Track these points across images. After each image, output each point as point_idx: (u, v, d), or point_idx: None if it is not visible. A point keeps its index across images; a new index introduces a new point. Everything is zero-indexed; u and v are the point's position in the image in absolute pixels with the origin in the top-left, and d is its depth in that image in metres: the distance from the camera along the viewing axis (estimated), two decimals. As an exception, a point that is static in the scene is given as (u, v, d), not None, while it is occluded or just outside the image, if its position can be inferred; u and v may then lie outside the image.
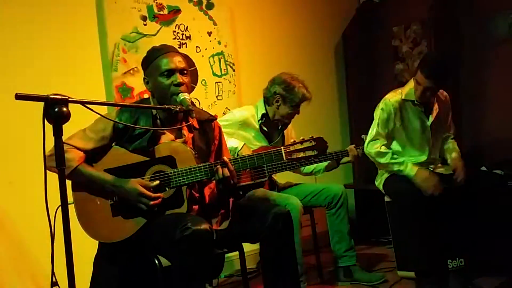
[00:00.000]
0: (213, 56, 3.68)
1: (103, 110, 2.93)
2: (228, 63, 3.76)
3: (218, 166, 2.11)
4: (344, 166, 3.45)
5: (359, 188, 4.43)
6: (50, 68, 2.92)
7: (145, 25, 3.31)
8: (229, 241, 2.34)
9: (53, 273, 1.73)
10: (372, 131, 3.16)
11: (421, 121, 3.14)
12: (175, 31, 3.47)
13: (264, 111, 3.12)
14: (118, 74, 3.18)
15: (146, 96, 3.20)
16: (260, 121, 3.11)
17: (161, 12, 3.39)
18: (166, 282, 2.11)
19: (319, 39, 4.45)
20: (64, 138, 1.56)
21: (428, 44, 4.05)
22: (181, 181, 2.10)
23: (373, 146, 3.13)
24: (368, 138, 3.15)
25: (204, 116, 2.31)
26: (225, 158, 2.14)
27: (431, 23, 4.05)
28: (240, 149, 2.86)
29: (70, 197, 1.73)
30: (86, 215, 2.11)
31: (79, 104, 1.61)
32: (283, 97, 3.06)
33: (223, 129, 2.49)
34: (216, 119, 2.39)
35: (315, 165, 3.26)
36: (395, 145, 3.21)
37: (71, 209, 1.67)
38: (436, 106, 3.15)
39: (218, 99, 3.70)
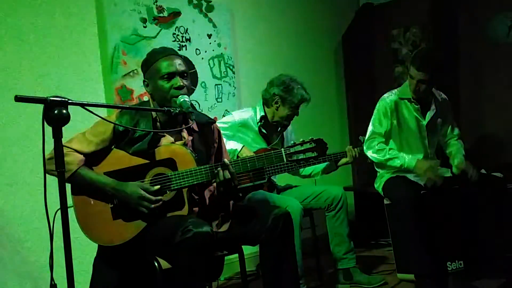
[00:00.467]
0: (212, 58, 3.68)
1: (103, 112, 2.95)
2: (227, 65, 3.76)
3: (219, 169, 2.11)
4: (343, 168, 3.46)
5: (358, 190, 4.44)
6: (49, 70, 2.92)
7: (145, 27, 3.31)
8: (229, 243, 2.34)
9: (52, 277, 1.73)
10: (369, 131, 3.19)
11: (417, 120, 3.16)
12: (174, 34, 3.47)
13: (263, 113, 3.12)
14: (118, 76, 3.18)
15: (146, 98, 3.20)
16: (259, 123, 3.11)
17: (161, 15, 3.39)
18: (165, 285, 2.11)
19: (318, 41, 4.45)
20: (63, 140, 1.55)
21: (427, 47, 4.05)
22: (182, 183, 2.10)
23: (370, 144, 3.16)
24: (366, 138, 3.19)
25: (203, 119, 2.31)
26: (225, 160, 2.13)
27: (430, 26, 4.06)
28: (240, 151, 2.87)
29: (69, 201, 1.72)
30: (86, 219, 2.11)
31: (79, 107, 1.61)
32: (282, 99, 3.06)
33: (222, 131, 2.49)
34: (215, 122, 2.39)
35: (313, 167, 3.26)
36: (391, 145, 3.23)
37: (71, 212, 1.66)
38: (433, 107, 3.17)
39: (217, 102, 3.70)
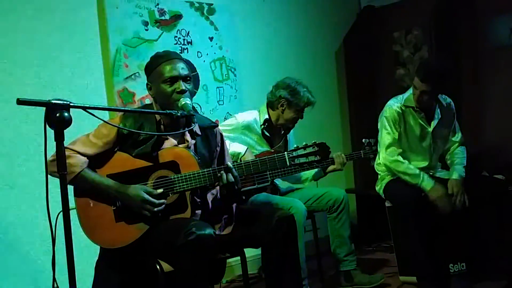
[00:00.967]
0: (214, 61, 3.68)
1: (105, 115, 2.96)
2: (229, 68, 3.76)
3: (222, 172, 2.11)
4: (345, 170, 3.45)
5: (360, 192, 4.43)
6: (51, 73, 2.93)
7: (146, 30, 3.31)
8: (232, 246, 2.34)
9: (54, 279, 1.73)
10: (384, 139, 3.11)
11: (421, 128, 3.13)
12: (176, 36, 3.47)
13: (267, 116, 3.12)
14: (120, 79, 3.18)
15: (147, 101, 3.20)
16: (262, 126, 3.11)
17: (163, 18, 3.40)
18: (167, 287, 2.11)
19: (320, 44, 4.45)
20: (65, 143, 1.55)
21: (429, 49, 4.05)
22: (185, 186, 2.10)
23: (390, 153, 3.08)
24: (383, 146, 3.11)
25: (205, 123, 2.31)
26: (229, 163, 2.14)
27: (432, 28, 4.06)
28: (244, 154, 2.86)
29: (71, 203, 1.73)
30: (89, 221, 2.11)
31: (81, 110, 1.62)
32: (288, 101, 3.06)
33: (226, 134, 2.49)
34: (217, 125, 2.40)
35: (302, 173, 3.24)
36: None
37: (73, 214, 1.66)
38: (438, 114, 3.15)
39: (219, 104, 3.70)
